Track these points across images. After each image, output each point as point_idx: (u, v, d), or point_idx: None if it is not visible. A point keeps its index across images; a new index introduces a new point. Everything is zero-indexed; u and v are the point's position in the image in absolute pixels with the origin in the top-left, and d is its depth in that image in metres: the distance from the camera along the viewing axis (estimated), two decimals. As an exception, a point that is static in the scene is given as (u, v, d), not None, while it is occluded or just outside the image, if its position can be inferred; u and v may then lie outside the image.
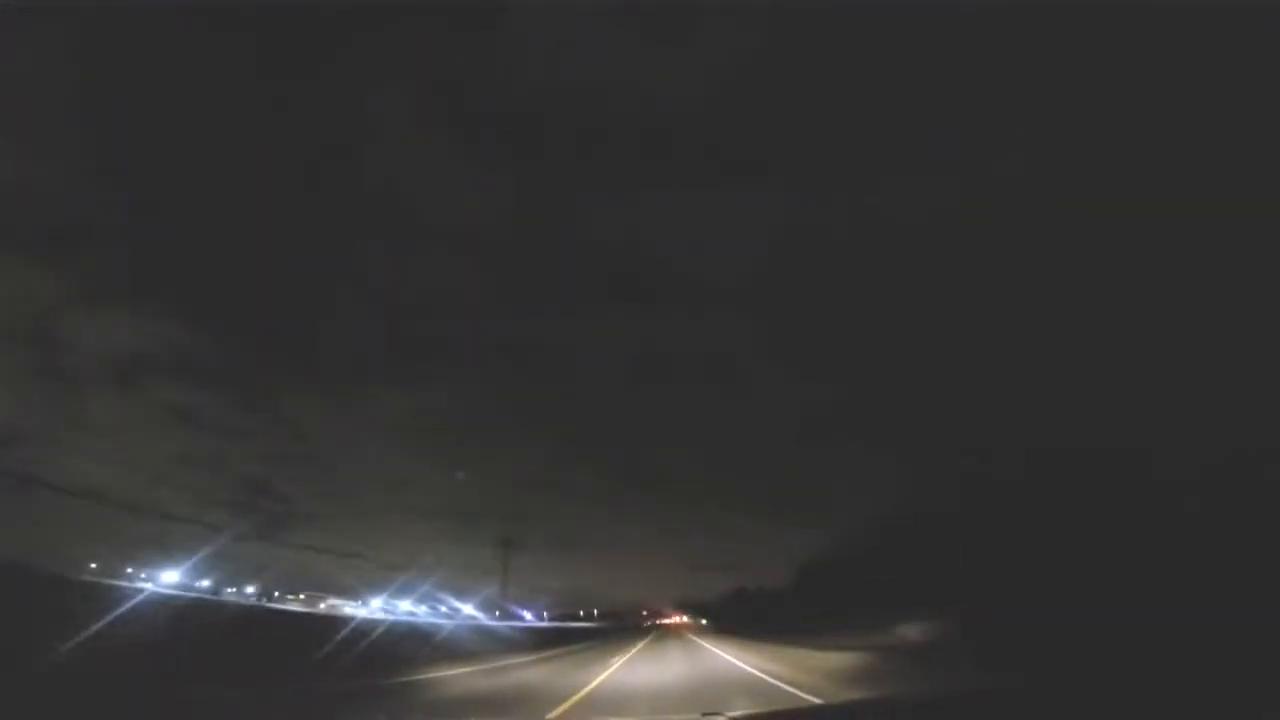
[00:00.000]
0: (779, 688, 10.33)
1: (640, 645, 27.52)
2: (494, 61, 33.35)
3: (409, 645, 16.35)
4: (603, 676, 13.28)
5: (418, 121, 40.81)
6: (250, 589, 31.30)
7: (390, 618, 27.50)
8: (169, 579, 24.01)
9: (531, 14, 27.36)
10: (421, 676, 12.59)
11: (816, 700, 8.61)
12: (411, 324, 49.66)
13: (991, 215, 26.07)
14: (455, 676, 13.25)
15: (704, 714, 4.55)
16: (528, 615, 47.93)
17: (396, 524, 47.31)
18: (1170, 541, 10.96)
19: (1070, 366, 25.39)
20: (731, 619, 43.87)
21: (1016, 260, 27.18)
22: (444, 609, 36.68)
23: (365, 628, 14.56)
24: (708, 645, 24.45)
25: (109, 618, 7.90)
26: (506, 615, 45.02)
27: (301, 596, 36.65)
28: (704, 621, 57.68)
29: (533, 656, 20.30)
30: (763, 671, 12.59)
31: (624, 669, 15.20)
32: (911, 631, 13.36)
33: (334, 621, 18.01)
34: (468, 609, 38.50)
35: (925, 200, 29.05)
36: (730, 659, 16.67)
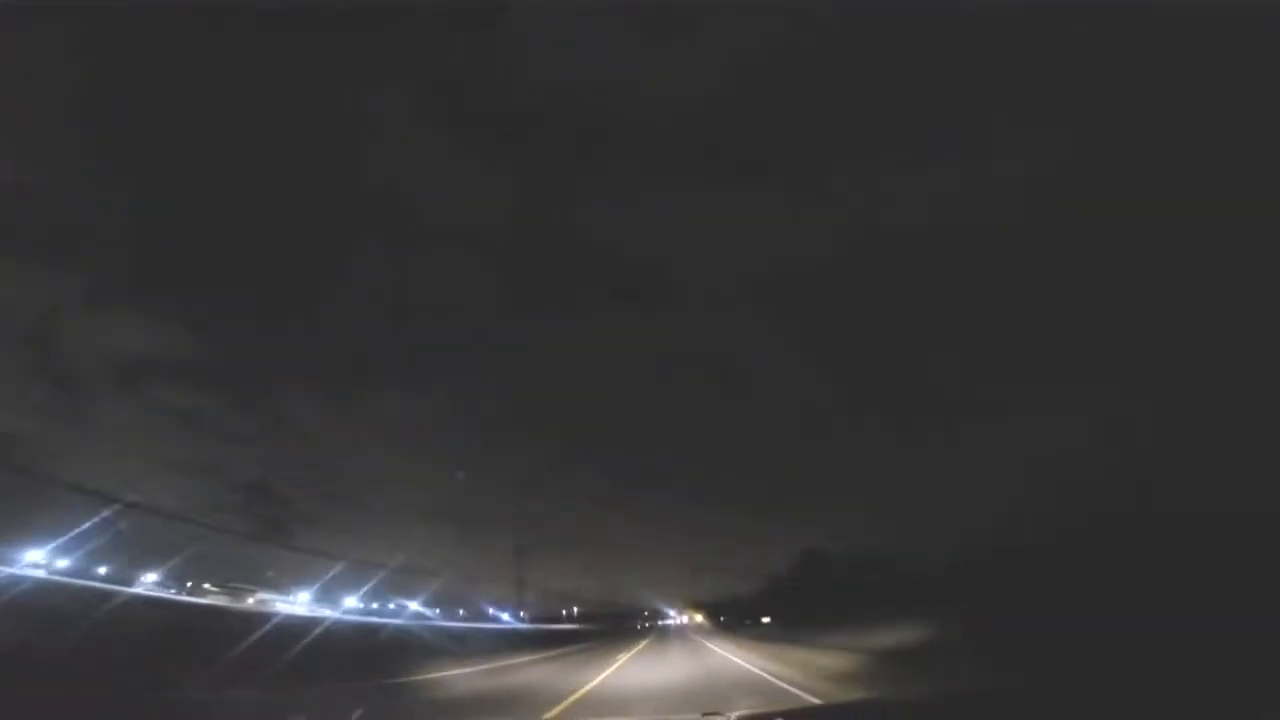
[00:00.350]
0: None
1: (640, 646, 26.83)
2: (494, 61, 33.39)
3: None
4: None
5: (418, 121, 40.87)
6: (152, 576, 27.78)
7: (330, 615, 25.34)
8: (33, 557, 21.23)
9: (532, 14, 27.37)
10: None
11: (816, 700, 8.61)
12: (412, 324, 49.66)
13: (993, 215, 26.09)
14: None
15: (704, 714, 4.55)
16: (505, 616, 43.44)
17: (397, 524, 47.20)
18: (1171, 542, 10.96)
19: (1076, 366, 25.43)
20: (756, 618, 39.92)
21: (1019, 260, 27.19)
22: (393, 606, 34.05)
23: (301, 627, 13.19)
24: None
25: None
26: (477, 615, 40.73)
27: (206, 586, 30.83)
28: (762, 619, 47.87)
29: (489, 665, 17.95)
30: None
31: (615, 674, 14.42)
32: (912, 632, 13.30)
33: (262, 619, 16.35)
34: (414, 605, 35.42)
35: (926, 200, 29.06)
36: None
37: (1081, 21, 18.55)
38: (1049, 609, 10.59)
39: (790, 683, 10.82)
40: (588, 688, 11.37)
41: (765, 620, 40.26)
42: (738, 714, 5.42)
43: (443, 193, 45.95)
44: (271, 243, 41.12)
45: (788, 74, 28.27)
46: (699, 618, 65.21)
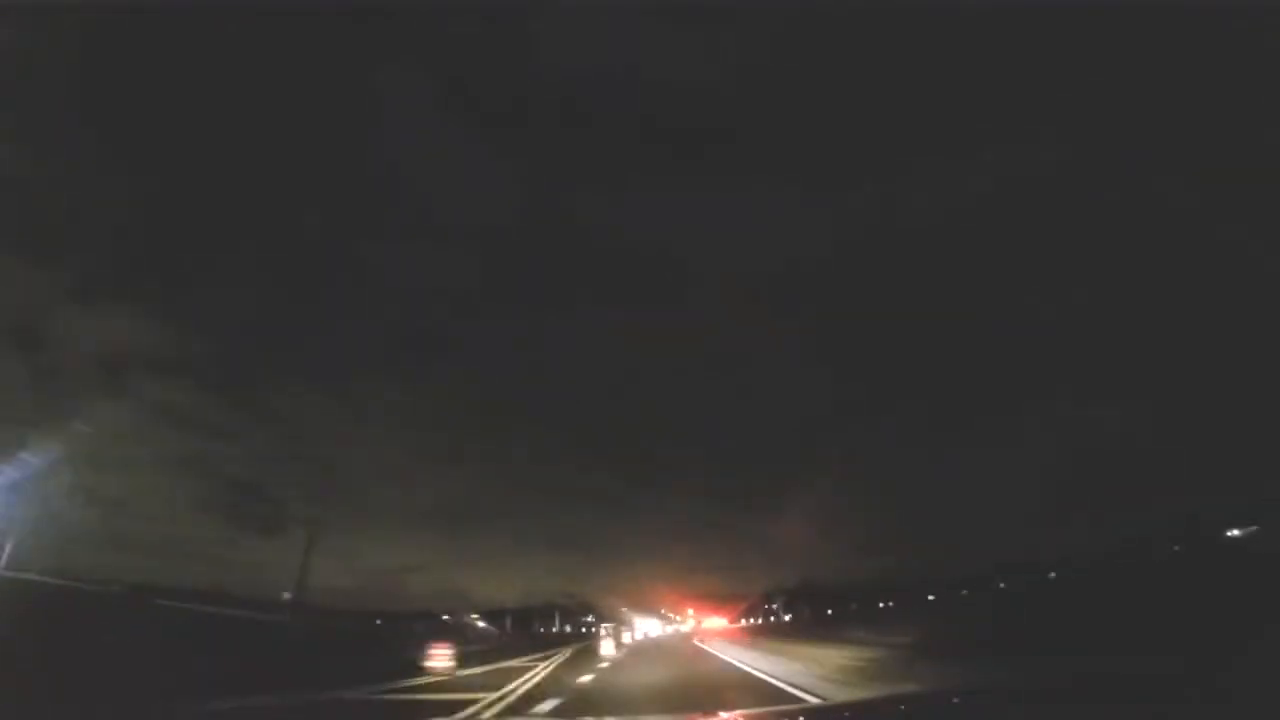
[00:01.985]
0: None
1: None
2: (509, 55, 33.21)
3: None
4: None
5: (427, 114, 40.60)
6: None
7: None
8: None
9: (552, 7, 27.15)
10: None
11: (816, 700, 8.55)
12: (412, 319, 49.44)
13: (1012, 213, 25.80)
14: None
15: (704, 714, 4.53)
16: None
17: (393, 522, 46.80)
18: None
19: (1098, 366, 25.27)
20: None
21: (1037, 259, 26.92)
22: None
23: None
24: None
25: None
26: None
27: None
28: None
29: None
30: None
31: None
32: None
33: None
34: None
35: (945, 198, 28.75)
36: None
37: (1114, 20, 18.30)
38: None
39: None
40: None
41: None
42: (736, 714, 5.40)
43: (448, 185, 45.77)
44: (265, 235, 40.93)
45: (809, 71, 28.07)
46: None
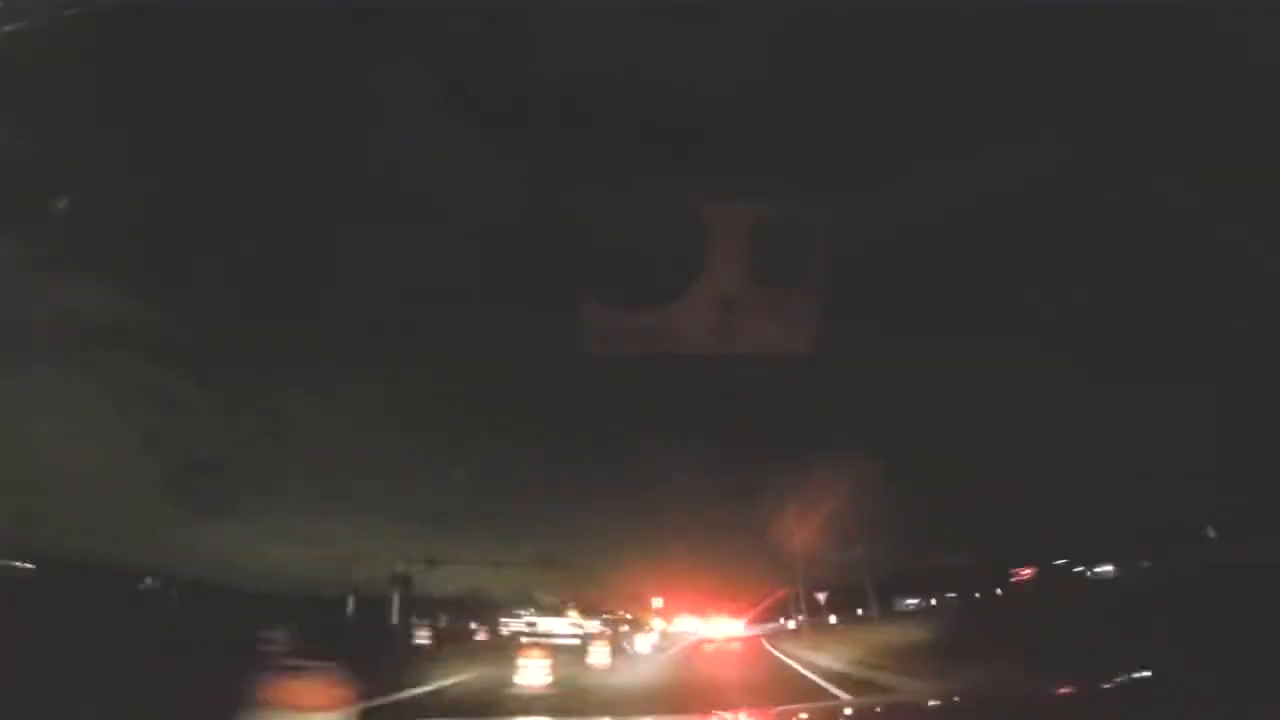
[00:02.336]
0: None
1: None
2: (509, 55, 33.38)
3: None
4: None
5: (427, 114, 40.76)
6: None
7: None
8: None
9: (552, 7, 27.36)
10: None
11: (814, 700, 8.61)
12: (414, 318, 49.79)
13: (1012, 213, 26.06)
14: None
15: (703, 713, 4.57)
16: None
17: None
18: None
19: (1097, 366, 25.55)
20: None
21: (1037, 258, 27.20)
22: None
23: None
24: None
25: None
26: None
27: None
28: None
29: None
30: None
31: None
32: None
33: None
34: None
35: (945, 198, 28.93)
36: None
37: (1120, 17, 18.45)
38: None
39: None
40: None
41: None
42: (737, 714, 5.44)
43: (448, 185, 46.05)
44: (264, 234, 41.21)
45: (801, 73, 28.22)
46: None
